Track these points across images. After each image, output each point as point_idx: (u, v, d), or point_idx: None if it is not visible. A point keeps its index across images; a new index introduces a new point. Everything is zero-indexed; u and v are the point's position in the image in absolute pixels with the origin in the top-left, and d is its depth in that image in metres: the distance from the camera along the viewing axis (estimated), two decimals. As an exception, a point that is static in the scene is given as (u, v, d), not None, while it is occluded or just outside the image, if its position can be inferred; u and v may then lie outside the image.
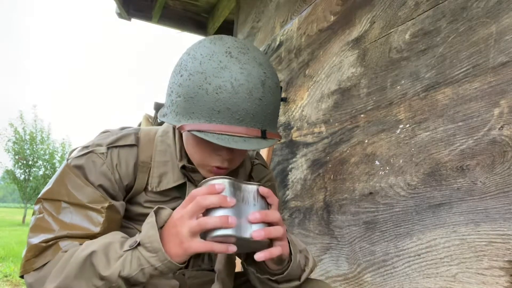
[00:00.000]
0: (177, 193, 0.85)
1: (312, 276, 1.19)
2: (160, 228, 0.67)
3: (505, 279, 0.81)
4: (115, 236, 0.71)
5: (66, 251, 0.70)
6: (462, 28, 0.96)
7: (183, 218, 0.64)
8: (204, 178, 0.81)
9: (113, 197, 0.80)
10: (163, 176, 0.83)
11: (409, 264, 1.03)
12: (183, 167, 0.83)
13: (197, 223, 0.63)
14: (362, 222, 1.21)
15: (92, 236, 0.73)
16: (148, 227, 0.66)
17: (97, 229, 0.74)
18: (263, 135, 0.71)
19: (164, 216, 0.68)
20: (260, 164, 1.01)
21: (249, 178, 0.99)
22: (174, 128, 0.87)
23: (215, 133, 0.68)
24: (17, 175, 17.64)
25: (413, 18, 1.11)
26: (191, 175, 0.84)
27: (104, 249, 0.67)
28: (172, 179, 0.83)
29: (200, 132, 0.69)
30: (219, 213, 0.63)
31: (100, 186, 0.78)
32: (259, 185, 0.69)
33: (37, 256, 0.71)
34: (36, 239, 0.72)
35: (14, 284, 3.53)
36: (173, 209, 0.86)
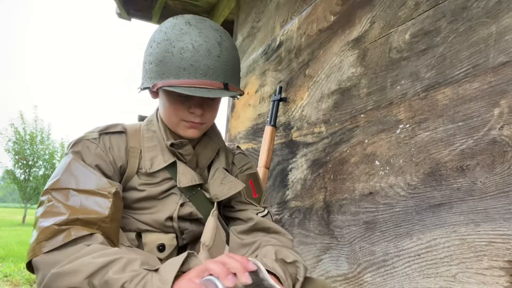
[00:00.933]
0: (168, 174, 0.92)
1: (312, 276, 1.19)
2: (183, 272, 0.66)
3: (505, 279, 0.81)
4: (145, 257, 0.70)
5: (89, 245, 0.70)
6: (462, 28, 0.96)
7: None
8: (184, 138, 0.90)
9: (110, 178, 0.85)
10: (154, 158, 0.91)
11: (409, 264, 1.03)
12: (171, 145, 0.90)
13: None
14: (362, 222, 1.21)
15: (102, 220, 0.75)
16: (173, 262, 0.65)
17: (106, 212, 0.77)
18: (225, 87, 0.82)
19: (192, 265, 0.67)
20: (241, 153, 1.09)
21: (232, 165, 1.04)
22: (157, 116, 0.95)
23: (183, 86, 0.79)
24: (17, 175, 17.61)
25: (413, 18, 1.11)
26: (179, 152, 0.91)
27: (129, 260, 0.67)
28: (163, 160, 0.91)
29: (170, 86, 0.80)
30: None
31: (97, 166, 0.83)
32: None
33: (48, 239, 0.70)
34: (48, 222, 0.72)
35: (14, 284, 3.53)
36: (165, 191, 0.92)
